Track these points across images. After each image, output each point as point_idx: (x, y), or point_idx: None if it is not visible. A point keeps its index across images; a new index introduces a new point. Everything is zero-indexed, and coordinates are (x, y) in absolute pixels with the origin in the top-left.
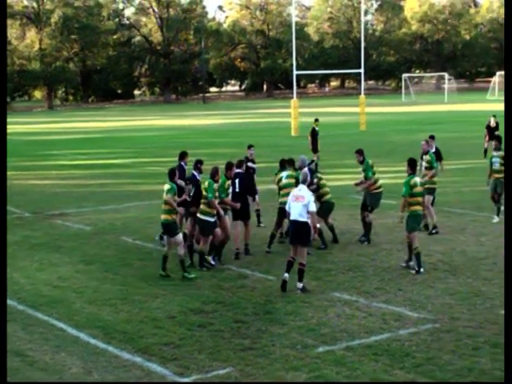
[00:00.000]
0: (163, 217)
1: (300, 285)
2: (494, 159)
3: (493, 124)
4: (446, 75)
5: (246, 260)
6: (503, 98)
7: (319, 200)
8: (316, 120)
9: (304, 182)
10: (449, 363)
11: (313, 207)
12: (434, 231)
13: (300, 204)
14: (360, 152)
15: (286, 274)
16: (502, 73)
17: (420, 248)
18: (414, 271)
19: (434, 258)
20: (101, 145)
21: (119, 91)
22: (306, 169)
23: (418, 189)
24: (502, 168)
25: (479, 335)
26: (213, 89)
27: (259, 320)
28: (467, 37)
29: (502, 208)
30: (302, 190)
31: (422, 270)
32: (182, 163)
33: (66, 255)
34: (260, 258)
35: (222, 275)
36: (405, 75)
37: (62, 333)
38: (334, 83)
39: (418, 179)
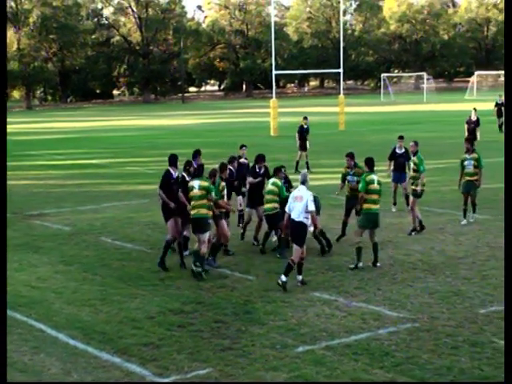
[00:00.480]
0: (202, 211)
1: (300, 277)
2: (466, 162)
3: (473, 118)
4: (425, 75)
5: (226, 260)
6: (481, 97)
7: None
8: (305, 118)
9: (304, 183)
10: (428, 362)
11: (312, 206)
12: (412, 233)
13: (299, 204)
14: (351, 156)
15: (283, 278)
16: (481, 73)
17: (361, 244)
18: (352, 266)
19: (413, 257)
20: (79, 145)
21: (98, 91)
22: (305, 170)
23: (375, 186)
24: (476, 171)
25: (458, 334)
26: (192, 89)
27: (239, 320)
28: (446, 37)
29: (473, 214)
30: (301, 191)
31: (360, 264)
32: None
33: (44, 256)
34: (240, 258)
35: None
36: (383, 75)
37: (41, 333)
38: (313, 83)
39: (375, 177)
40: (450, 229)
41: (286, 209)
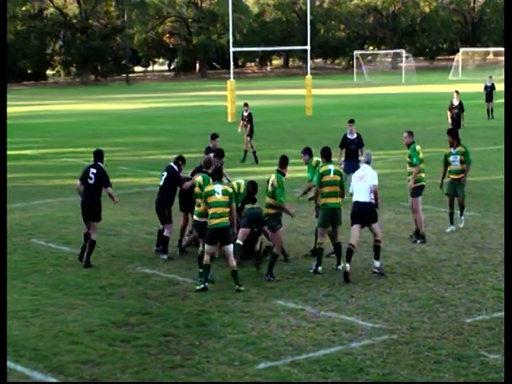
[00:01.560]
0: (224, 220)
1: (377, 263)
2: (452, 157)
3: (456, 102)
4: (403, 52)
5: (176, 264)
6: (467, 78)
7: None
8: (245, 105)
9: (369, 163)
10: (408, 379)
11: (375, 181)
12: (419, 241)
13: (363, 184)
14: (308, 151)
15: (347, 265)
16: (466, 50)
17: (323, 245)
18: (311, 270)
19: (390, 260)
20: (8, 133)
21: (29, 71)
22: (369, 150)
23: (331, 177)
24: (463, 167)
25: (442, 347)
26: (138, 68)
27: (192, 333)
28: (427, 9)
29: (462, 218)
30: (365, 170)
31: (319, 268)
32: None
33: None
34: (193, 263)
35: (148, 282)
36: (357, 52)
37: None
38: (277, 62)
39: (332, 167)
40: (432, 227)
41: (350, 189)
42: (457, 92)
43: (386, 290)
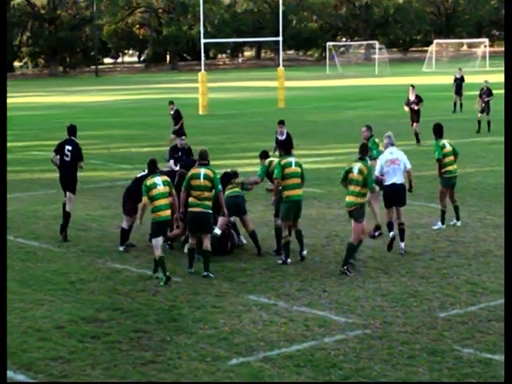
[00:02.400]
0: (169, 212)
1: (402, 245)
2: (448, 146)
3: (411, 97)
4: (377, 44)
5: (147, 259)
6: (441, 70)
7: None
8: (171, 103)
9: (393, 144)
10: (381, 374)
11: (409, 164)
12: (376, 233)
13: (397, 167)
14: (264, 155)
15: (392, 233)
16: (440, 41)
17: (289, 238)
18: (280, 261)
19: (363, 254)
20: None
21: None
22: (389, 132)
23: (292, 169)
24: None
25: (415, 341)
26: (107, 60)
27: (163, 329)
28: (400, 0)
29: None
30: (395, 153)
31: (289, 261)
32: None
33: None
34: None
35: (119, 277)
36: (329, 44)
37: None
38: (248, 53)
39: (293, 159)
40: (406, 221)
41: (377, 173)
42: (412, 86)
43: (359, 285)
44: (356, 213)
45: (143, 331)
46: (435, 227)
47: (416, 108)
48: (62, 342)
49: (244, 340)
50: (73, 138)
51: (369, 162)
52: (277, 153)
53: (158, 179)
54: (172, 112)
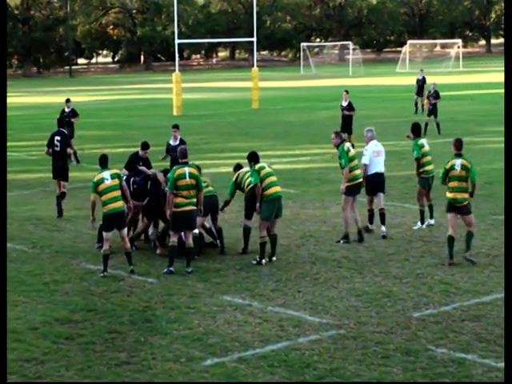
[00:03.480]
0: (120, 204)
1: (383, 228)
2: (427, 146)
3: (344, 103)
4: (351, 44)
5: (121, 260)
6: (415, 70)
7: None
8: (67, 101)
9: (374, 138)
10: (355, 374)
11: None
12: (342, 241)
13: (380, 158)
14: (238, 167)
15: (370, 225)
16: (414, 42)
17: (267, 238)
18: (255, 262)
19: (337, 254)
20: None
21: None
22: (371, 127)
23: (266, 170)
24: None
25: (389, 342)
26: (81, 60)
27: (137, 330)
28: (374, 1)
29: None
30: (379, 146)
31: (263, 261)
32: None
33: None
34: (138, 258)
35: (93, 278)
36: (303, 44)
37: None
38: (223, 54)
39: (264, 164)
40: (379, 221)
41: (365, 160)
42: (346, 91)
43: (333, 285)
44: (466, 208)
45: (117, 332)
46: (415, 227)
47: (347, 113)
48: (36, 343)
49: (218, 340)
50: (62, 129)
51: (341, 171)
52: (168, 159)
53: (107, 173)
54: (68, 110)
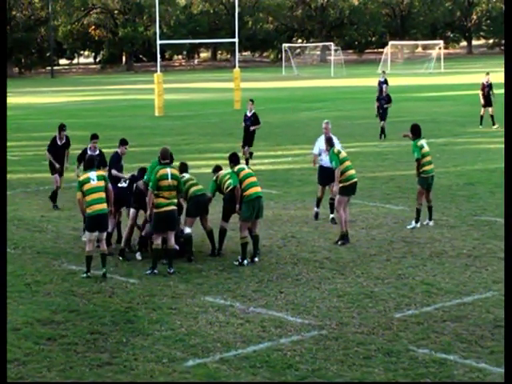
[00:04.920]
0: (104, 206)
1: (332, 215)
2: (426, 147)
3: (248, 114)
4: (332, 45)
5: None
6: (396, 71)
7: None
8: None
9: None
10: (337, 375)
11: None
12: (340, 241)
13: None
14: (217, 169)
15: (317, 209)
16: (395, 43)
17: (248, 239)
18: (237, 262)
19: (319, 255)
20: None
21: None
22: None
23: (246, 171)
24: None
25: (371, 342)
26: (63, 61)
27: (119, 330)
28: (355, 1)
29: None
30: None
31: (245, 262)
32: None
33: None
34: (120, 259)
35: (74, 279)
36: (285, 45)
37: None
38: (204, 54)
39: (243, 165)
40: (361, 222)
41: (314, 150)
42: (251, 101)
43: (315, 286)
44: None
45: (99, 333)
46: (409, 226)
47: (251, 129)
48: (18, 343)
49: (200, 341)
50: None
51: (335, 172)
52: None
53: (93, 174)
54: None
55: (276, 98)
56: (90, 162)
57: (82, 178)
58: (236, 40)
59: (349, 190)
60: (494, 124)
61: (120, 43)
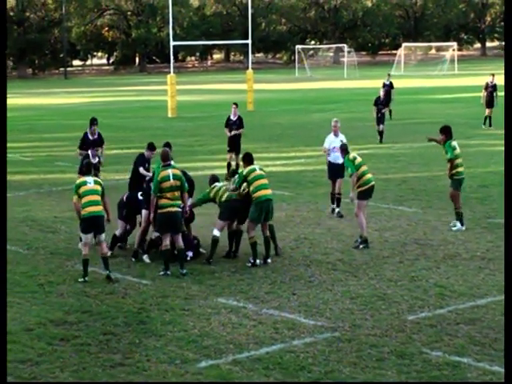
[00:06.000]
0: (99, 208)
1: (338, 209)
2: (457, 146)
3: (233, 117)
4: (345, 47)
5: (116, 261)
6: (410, 73)
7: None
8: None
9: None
10: (350, 377)
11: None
12: (361, 245)
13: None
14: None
15: (334, 206)
16: (408, 45)
17: (256, 238)
18: (249, 264)
19: (332, 256)
20: None
21: None
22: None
23: (257, 173)
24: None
25: (384, 344)
26: (76, 62)
27: (132, 331)
28: (369, 3)
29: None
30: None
31: (258, 261)
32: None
33: None
34: (133, 260)
35: (87, 279)
36: (298, 47)
37: None
38: (218, 56)
39: (255, 166)
40: (374, 224)
41: (326, 145)
42: (235, 104)
43: (327, 287)
44: None
45: (112, 334)
46: (454, 228)
47: (237, 132)
48: (31, 344)
49: (213, 342)
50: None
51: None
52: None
53: (90, 178)
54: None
55: (289, 100)
56: (87, 167)
57: (78, 181)
58: (249, 41)
59: (367, 194)
60: (490, 125)
61: (133, 44)
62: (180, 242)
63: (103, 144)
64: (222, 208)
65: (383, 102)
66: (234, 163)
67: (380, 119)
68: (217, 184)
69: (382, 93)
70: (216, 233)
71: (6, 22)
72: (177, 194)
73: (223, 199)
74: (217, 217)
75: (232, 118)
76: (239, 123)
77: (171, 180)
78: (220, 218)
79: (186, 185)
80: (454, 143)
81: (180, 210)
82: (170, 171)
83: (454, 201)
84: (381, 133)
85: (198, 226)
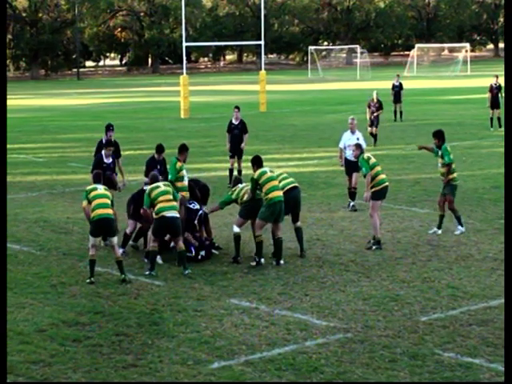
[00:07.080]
0: (109, 211)
1: (352, 202)
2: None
3: (235, 121)
4: (358, 48)
5: (128, 263)
6: (422, 74)
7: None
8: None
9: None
10: (362, 378)
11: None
12: (374, 246)
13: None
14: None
15: (353, 203)
16: (421, 46)
17: (263, 237)
18: (254, 263)
19: (344, 257)
20: None
21: None
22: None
23: (268, 174)
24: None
25: (396, 345)
26: (89, 63)
27: (144, 332)
28: (381, 4)
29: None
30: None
31: (262, 260)
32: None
33: None
34: (145, 261)
35: (100, 280)
36: (311, 48)
37: None
38: (230, 57)
39: (266, 169)
40: (387, 225)
41: (341, 145)
42: (237, 108)
43: (340, 288)
44: None
45: (124, 335)
46: (457, 232)
47: (238, 135)
48: (43, 345)
49: (225, 343)
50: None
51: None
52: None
53: (100, 186)
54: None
55: (301, 101)
56: (97, 176)
57: (88, 188)
58: (262, 42)
59: (381, 194)
60: (500, 126)
61: (146, 45)
62: (180, 244)
63: (119, 154)
64: (242, 206)
65: (375, 105)
66: (235, 173)
67: (373, 122)
68: (239, 185)
69: (392, 94)
70: (236, 229)
71: (19, 23)
72: (170, 196)
73: (244, 199)
74: (237, 214)
75: (234, 122)
76: (241, 127)
77: (162, 187)
78: (240, 214)
79: (177, 194)
80: (449, 148)
81: (177, 214)
82: (159, 183)
83: (453, 208)
84: (374, 136)
85: (211, 226)
